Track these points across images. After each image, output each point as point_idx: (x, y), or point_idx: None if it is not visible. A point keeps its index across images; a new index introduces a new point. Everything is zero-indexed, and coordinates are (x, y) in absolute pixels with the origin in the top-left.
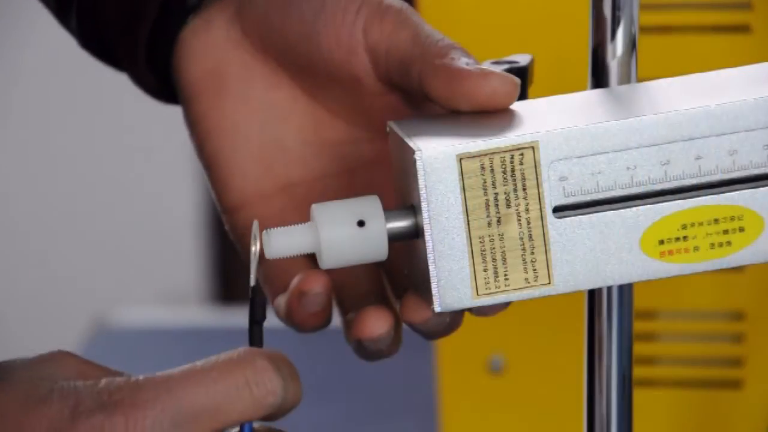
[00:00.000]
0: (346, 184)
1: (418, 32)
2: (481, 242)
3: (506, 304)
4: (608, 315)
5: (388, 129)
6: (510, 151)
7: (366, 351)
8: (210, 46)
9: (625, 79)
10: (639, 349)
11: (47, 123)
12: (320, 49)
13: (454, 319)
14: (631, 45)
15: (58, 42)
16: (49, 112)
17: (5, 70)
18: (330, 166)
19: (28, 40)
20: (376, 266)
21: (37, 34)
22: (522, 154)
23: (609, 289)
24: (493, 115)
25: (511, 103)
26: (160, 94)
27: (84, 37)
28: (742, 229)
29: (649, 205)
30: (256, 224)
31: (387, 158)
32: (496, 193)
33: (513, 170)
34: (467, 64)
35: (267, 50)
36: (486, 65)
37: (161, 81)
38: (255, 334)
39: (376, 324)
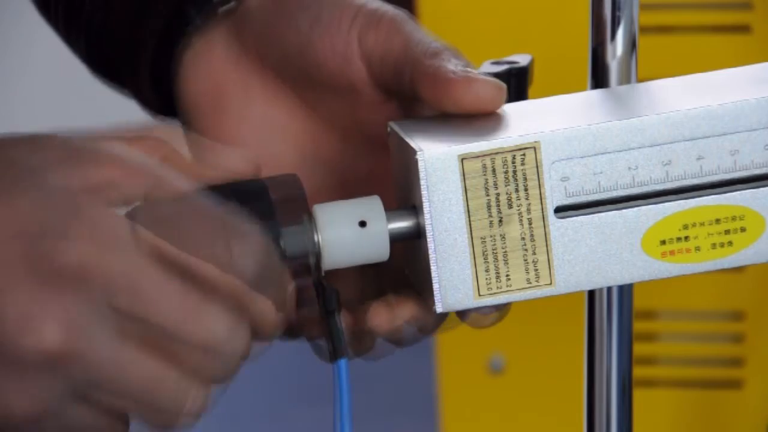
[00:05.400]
0: (343, 198)
1: (410, 37)
2: (482, 243)
3: (502, 315)
4: (608, 315)
5: (388, 129)
6: (512, 151)
7: (319, 348)
8: (211, 64)
9: (626, 79)
10: (639, 349)
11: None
12: (317, 59)
13: (423, 328)
14: (631, 45)
15: (61, 46)
16: (50, 117)
17: (7, 72)
18: (327, 181)
19: (30, 41)
20: (360, 275)
21: (40, 37)
22: (524, 155)
23: (609, 289)
24: (494, 116)
25: (499, 107)
26: (164, 115)
27: (92, 60)
28: (743, 229)
29: (650, 206)
30: (315, 209)
31: (383, 172)
32: (498, 194)
33: (515, 170)
34: (455, 67)
35: (265, 65)
36: (485, 65)
37: (165, 101)
38: (332, 325)
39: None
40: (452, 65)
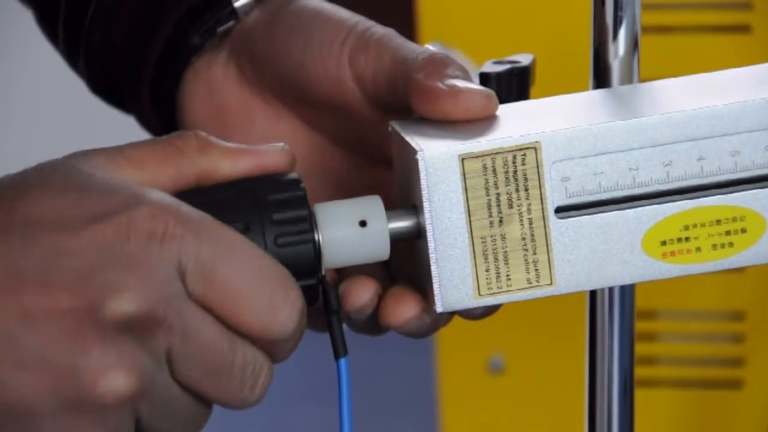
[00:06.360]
0: None
1: (398, 53)
2: (483, 242)
3: (496, 307)
4: (609, 315)
5: (390, 129)
6: (512, 151)
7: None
8: (211, 86)
9: (627, 79)
10: (639, 349)
11: (50, 137)
12: (310, 82)
13: (435, 320)
14: (633, 45)
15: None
16: (51, 125)
17: (8, 76)
18: (333, 194)
19: (29, 43)
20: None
21: (39, 39)
22: (524, 155)
23: (610, 289)
24: (495, 116)
25: (491, 114)
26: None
27: (92, 80)
28: (744, 230)
29: (651, 206)
30: (315, 208)
31: (388, 183)
32: (498, 194)
33: (515, 170)
34: (441, 81)
35: (263, 86)
36: (487, 65)
37: (166, 121)
38: (332, 324)
39: (358, 292)
40: (438, 79)
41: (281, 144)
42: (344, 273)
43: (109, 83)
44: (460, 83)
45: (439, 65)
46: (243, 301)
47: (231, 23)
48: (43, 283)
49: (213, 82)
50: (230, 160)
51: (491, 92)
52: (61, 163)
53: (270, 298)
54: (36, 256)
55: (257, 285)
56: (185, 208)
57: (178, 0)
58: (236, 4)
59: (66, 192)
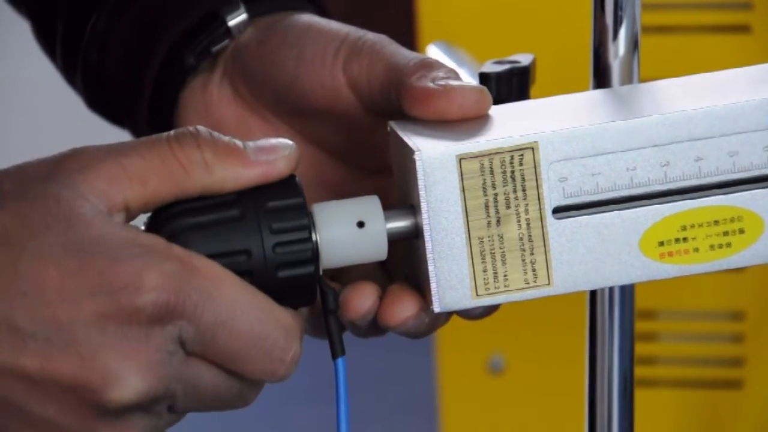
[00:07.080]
0: None
1: (391, 59)
2: (480, 243)
3: (491, 309)
4: (610, 315)
5: (389, 129)
6: (510, 151)
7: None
8: (206, 103)
9: (627, 79)
10: (639, 349)
11: (48, 139)
12: (305, 95)
13: (433, 320)
14: (633, 45)
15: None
16: (50, 125)
17: (7, 78)
18: None
19: (27, 47)
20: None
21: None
22: (522, 155)
23: (610, 289)
24: (493, 116)
25: (486, 110)
26: None
27: (90, 97)
28: (742, 231)
29: (648, 207)
30: (313, 209)
31: (386, 192)
32: (496, 194)
33: (513, 171)
34: (434, 82)
35: (258, 102)
36: (488, 65)
37: None
38: (330, 324)
39: (360, 299)
40: (430, 80)
41: (289, 143)
42: (344, 278)
43: (106, 102)
44: (452, 82)
45: (429, 68)
46: (241, 361)
47: (226, 42)
48: (46, 355)
49: (208, 101)
50: (235, 176)
51: (483, 88)
52: (62, 189)
53: (269, 355)
54: (39, 326)
55: (257, 346)
56: (186, 273)
57: (173, 21)
58: (230, 23)
59: (67, 253)
